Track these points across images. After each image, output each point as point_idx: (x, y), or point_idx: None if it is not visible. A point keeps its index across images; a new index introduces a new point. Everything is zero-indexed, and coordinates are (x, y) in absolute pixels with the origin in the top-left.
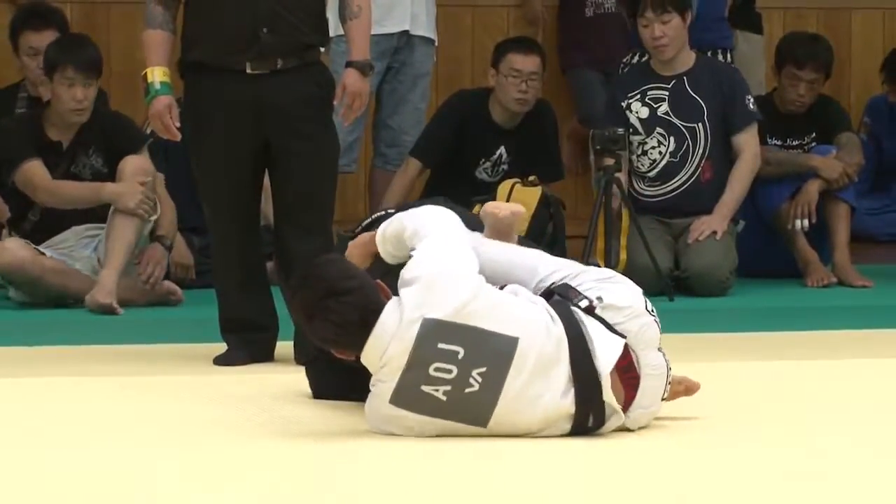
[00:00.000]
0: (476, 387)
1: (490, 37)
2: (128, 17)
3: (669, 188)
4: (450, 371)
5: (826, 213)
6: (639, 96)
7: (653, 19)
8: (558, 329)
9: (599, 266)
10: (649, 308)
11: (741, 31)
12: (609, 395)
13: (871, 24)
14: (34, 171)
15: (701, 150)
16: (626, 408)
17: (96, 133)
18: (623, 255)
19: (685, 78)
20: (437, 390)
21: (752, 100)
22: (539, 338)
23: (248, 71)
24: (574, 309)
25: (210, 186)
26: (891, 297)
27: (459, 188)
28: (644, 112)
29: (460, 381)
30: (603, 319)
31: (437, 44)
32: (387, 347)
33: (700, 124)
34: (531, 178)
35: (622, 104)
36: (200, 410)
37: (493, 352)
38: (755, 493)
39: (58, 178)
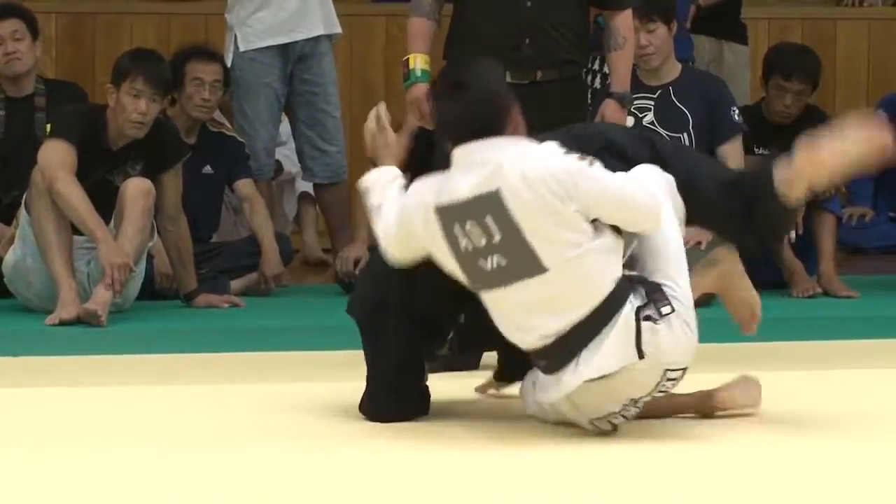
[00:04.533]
0: (488, 267)
1: None
2: (113, 28)
3: None
4: (479, 237)
5: (812, 224)
6: None
7: (638, 28)
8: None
9: None
10: (680, 369)
11: (726, 42)
12: None
13: (856, 34)
14: (66, 154)
15: None
16: None
17: (142, 140)
18: None
19: (671, 88)
20: (461, 241)
21: (737, 111)
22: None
23: (508, 80)
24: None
25: None
26: (876, 308)
27: None
28: (629, 121)
29: (481, 253)
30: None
31: (340, 33)
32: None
33: (685, 134)
34: None
35: None
36: (202, 420)
37: (520, 262)
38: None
39: (91, 181)
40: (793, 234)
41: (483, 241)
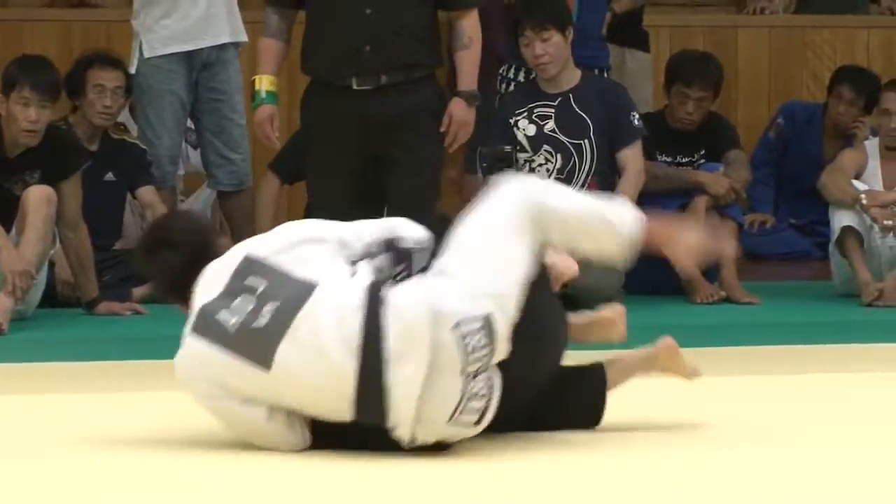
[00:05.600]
0: (265, 321)
1: None
2: (13, 35)
3: None
4: (250, 302)
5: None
6: (526, 114)
7: (532, 38)
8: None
9: None
10: (466, 328)
11: (628, 50)
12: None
13: (757, 42)
14: None
15: (587, 167)
16: None
17: (39, 148)
18: None
19: (571, 95)
20: (227, 321)
21: (637, 116)
22: (335, 300)
23: (354, 87)
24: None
25: (321, 198)
26: (777, 314)
27: None
28: (531, 130)
29: (252, 315)
30: None
31: (246, 41)
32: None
33: (586, 141)
34: None
35: (510, 121)
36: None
37: (289, 293)
38: None
39: None
40: None
41: (251, 306)
